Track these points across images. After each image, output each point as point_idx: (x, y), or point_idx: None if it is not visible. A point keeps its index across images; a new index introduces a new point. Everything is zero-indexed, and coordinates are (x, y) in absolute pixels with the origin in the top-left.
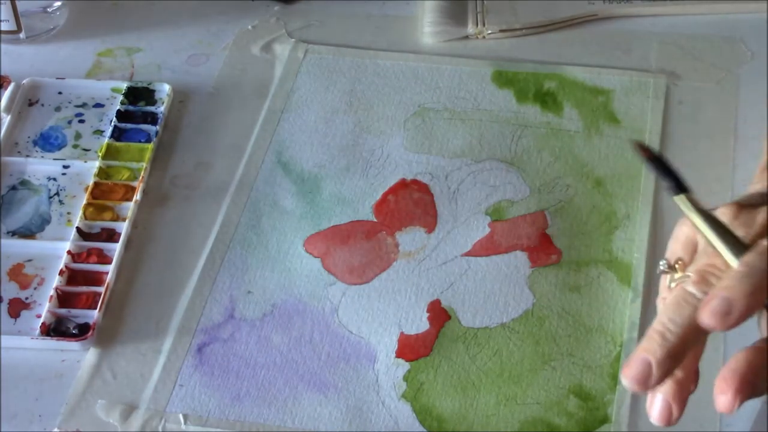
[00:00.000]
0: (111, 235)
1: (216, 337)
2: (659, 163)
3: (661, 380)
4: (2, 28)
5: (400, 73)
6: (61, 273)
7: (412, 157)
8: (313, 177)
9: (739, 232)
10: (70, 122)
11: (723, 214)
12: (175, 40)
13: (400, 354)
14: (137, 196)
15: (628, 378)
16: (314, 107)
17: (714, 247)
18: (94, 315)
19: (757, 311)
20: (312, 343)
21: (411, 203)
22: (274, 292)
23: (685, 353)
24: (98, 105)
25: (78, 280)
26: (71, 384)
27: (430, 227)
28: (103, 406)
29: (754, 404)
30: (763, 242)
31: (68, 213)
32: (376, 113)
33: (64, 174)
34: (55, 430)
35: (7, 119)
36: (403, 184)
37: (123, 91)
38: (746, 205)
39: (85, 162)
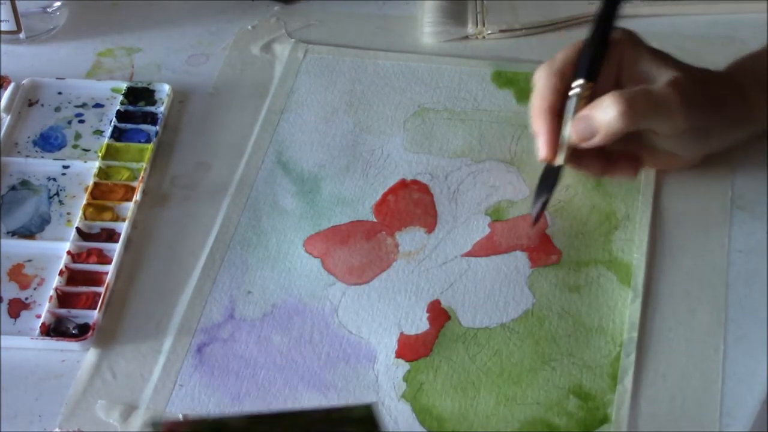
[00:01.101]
0: (111, 236)
1: (216, 337)
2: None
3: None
4: (2, 28)
5: (400, 73)
6: (61, 273)
7: (412, 157)
8: (313, 177)
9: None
10: (70, 122)
11: None
12: (175, 40)
13: (399, 354)
14: (137, 197)
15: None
16: (314, 107)
17: None
18: (94, 315)
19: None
20: (312, 344)
21: (411, 203)
22: (274, 292)
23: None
24: (98, 105)
25: (78, 280)
26: (71, 384)
27: (430, 227)
28: (103, 406)
29: (754, 404)
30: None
31: (68, 213)
32: (376, 113)
33: (64, 174)
34: (57, 430)
35: (7, 119)
36: (402, 184)
37: (123, 92)
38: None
39: (85, 162)
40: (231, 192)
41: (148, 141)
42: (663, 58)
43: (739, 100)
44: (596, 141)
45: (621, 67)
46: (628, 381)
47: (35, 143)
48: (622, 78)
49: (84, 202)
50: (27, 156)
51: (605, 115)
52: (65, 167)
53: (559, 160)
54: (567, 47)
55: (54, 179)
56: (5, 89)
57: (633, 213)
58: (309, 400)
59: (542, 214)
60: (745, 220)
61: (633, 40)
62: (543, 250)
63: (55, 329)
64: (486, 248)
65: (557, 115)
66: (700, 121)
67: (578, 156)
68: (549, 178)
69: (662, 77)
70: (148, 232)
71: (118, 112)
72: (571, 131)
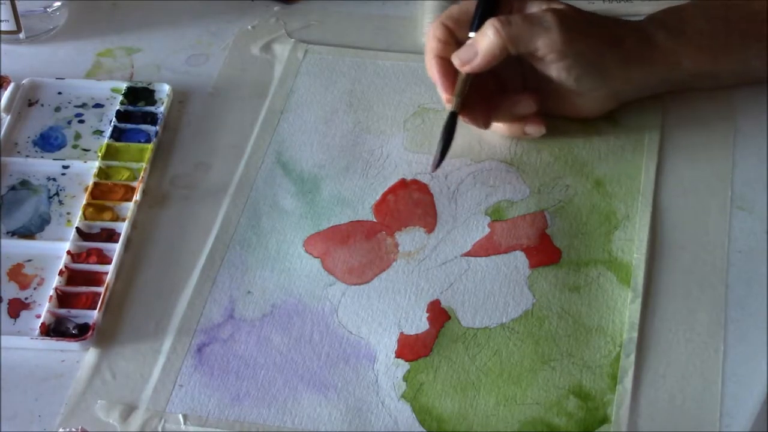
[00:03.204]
0: (111, 236)
1: (216, 337)
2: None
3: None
4: (2, 28)
5: (400, 73)
6: (60, 273)
7: (412, 157)
8: (312, 177)
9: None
10: (69, 122)
11: None
12: (175, 40)
13: (399, 354)
14: (137, 197)
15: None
16: (314, 107)
17: None
18: (93, 315)
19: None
20: (312, 344)
21: (411, 203)
22: (274, 293)
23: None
24: (98, 105)
25: (78, 280)
26: (71, 384)
27: (430, 227)
28: (103, 406)
29: (754, 404)
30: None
31: (68, 213)
32: (376, 113)
33: (63, 174)
34: (60, 430)
35: (7, 119)
36: (402, 184)
37: (123, 92)
38: None
39: (85, 162)
40: (231, 192)
41: (148, 141)
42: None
43: (643, 42)
44: (477, 62)
45: (513, 14)
46: (627, 381)
47: (35, 143)
48: None
49: (84, 202)
50: (27, 156)
51: (484, 37)
52: (65, 167)
53: (453, 106)
54: (457, 3)
55: (54, 179)
56: (5, 89)
57: (633, 213)
58: (309, 400)
59: (441, 162)
60: (745, 220)
61: None
62: (543, 250)
63: (54, 329)
64: (486, 248)
65: (448, 62)
66: (584, 47)
67: (470, 106)
68: (446, 123)
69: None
70: (148, 232)
71: (118, 112)
72: (454, 56)
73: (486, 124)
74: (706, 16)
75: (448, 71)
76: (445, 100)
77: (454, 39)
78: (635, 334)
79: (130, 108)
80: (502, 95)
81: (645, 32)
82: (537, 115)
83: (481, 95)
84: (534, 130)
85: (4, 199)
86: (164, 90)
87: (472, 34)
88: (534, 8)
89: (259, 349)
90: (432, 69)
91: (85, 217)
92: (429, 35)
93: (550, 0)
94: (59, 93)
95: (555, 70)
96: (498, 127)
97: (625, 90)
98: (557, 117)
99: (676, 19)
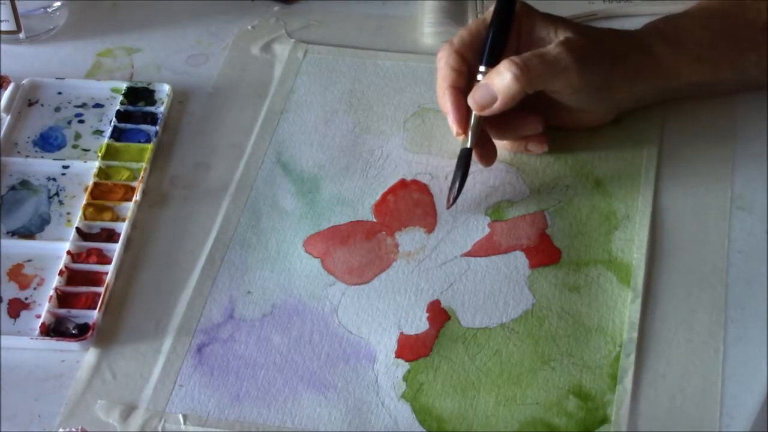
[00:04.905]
0: (111, 236)
1: (215, 337)
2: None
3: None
4: (2, 28)
5: (400, 73)
6: (60, 273)
7: (412, 157)
8: (312, 177)
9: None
10: (69, 122)
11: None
12: (175, 40)
13: (399, 354)
14: (137, 197)
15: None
16: (314, 107)
17: None
18: (93, 315)
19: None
20: (311, 344)
21: (411, 203)
22: (274, 293)
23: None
24: (98, 105)
25: (78, 280)
26: (71, 384)
27: (430, 227)
28: (103, 406)
29: (754, 404)
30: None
31: (68, 213)
32: (376, 113)
33: (63, 174)
34: (60, 430)
35: (7, 119)
36: (402, 185)
37: (123, 92)
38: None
39: (85, 162)
40: (231, 192)
41: (147, 141)
42: (555, 21)
43: (643, 56)
44: (497, 106)
45: (519, 37)
46: (627, 381)
47: (35, 143)
48: (521, 47)
49: (84, 202)
50: (27, 156)
51: (502, 80)
52: (65, 167)
53: (469, 142)
54: (466, 27)
55: (54, 179)
56: (5, 89)
57: (633, 213)
58: (309, 400)
59: (456, 198)
60: (745, 220)
61: (526, 10)
62: (543, 250)
63: (54, 329)
64: (486, 248)
65: (461, 93)
66: (596, 76)
67: (481, 143)
68: (461, 160)
69: (556, 39)
70: (148, 232)
71: (118, 112)
72: (470, 99)
73: (492, 163)
74: (703, 27)
75: (461, 104)
76: (455, 133)
77: (467, 67)
78: (635, 334)
79: (130, 108)
80: (506, 115)
81: (645, 45)
82: (540, 133)
83: (487, 121)
84: (537, 148)
85: (4, 199)
86: (164, 90)
87: (482, 68)
88: (543, 32)
89: (259, 349)
90: (445, 100)
91: (85, 217)
92: (441, 63)
93: (556, 21)
94: (59, 93)
95: (565, 97)
96: (501, 143)
97: (627, 102)
98: (558, 128)
99: (673, 30)
